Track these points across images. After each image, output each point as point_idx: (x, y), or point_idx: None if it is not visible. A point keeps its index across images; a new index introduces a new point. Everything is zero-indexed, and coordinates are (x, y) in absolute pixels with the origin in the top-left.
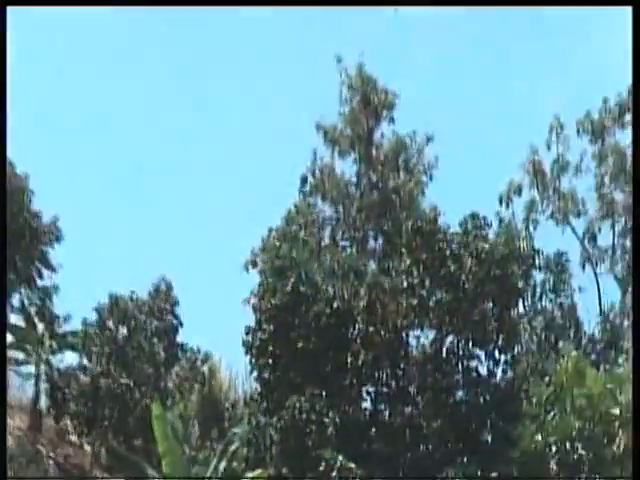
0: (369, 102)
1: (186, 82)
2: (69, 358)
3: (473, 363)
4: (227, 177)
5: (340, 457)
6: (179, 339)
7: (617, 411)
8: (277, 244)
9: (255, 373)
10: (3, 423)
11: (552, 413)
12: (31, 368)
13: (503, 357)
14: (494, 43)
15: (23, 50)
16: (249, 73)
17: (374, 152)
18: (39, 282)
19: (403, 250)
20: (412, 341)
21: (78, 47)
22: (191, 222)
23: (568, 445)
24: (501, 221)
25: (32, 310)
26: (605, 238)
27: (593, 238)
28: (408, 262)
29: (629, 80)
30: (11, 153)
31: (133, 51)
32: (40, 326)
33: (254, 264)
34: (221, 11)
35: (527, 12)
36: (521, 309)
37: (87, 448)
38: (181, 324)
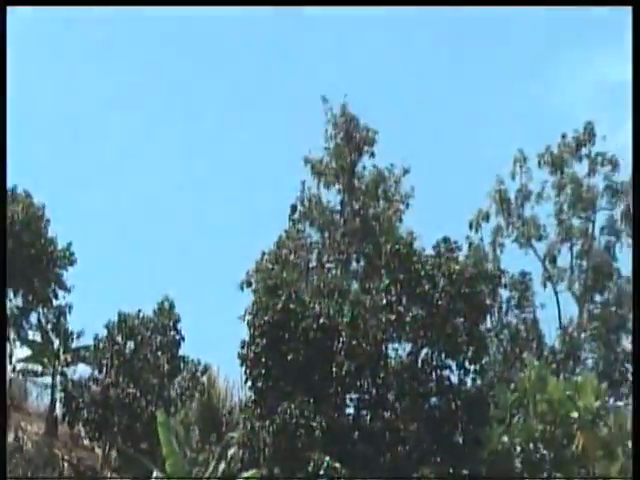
0: (352, 138)
1: (187, 117)
2: (82, 370)
3: (446, 372)
4: (225, 207)
5: (327, 458)
6: (181, 352)
7: (575, 415)
8: (269, 266)
9: (250, 383)
10: (3, 424)
11: (517, 417)
12: (48, 379)
13: (473, 367)
14: (464, 85)
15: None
16: (247, 112)
17: (356, 183)
18: (55, 302)
19: (382, 271)
20: (391, 353)
21: (84, 49)
22: (192, 247)
23: (531, 446)
24: (471, 245)
25: (48, 327)
26: (564, 259)
27: (553, 260)
28: (387, 282)
29: (585, 117)
30: (28, 185)
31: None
32: (56, 341)
33: (249, 284)
34: (220, 52)
35: (494, 56)
36: (489, 324)
37: (98, 451)
38: (183, 339)
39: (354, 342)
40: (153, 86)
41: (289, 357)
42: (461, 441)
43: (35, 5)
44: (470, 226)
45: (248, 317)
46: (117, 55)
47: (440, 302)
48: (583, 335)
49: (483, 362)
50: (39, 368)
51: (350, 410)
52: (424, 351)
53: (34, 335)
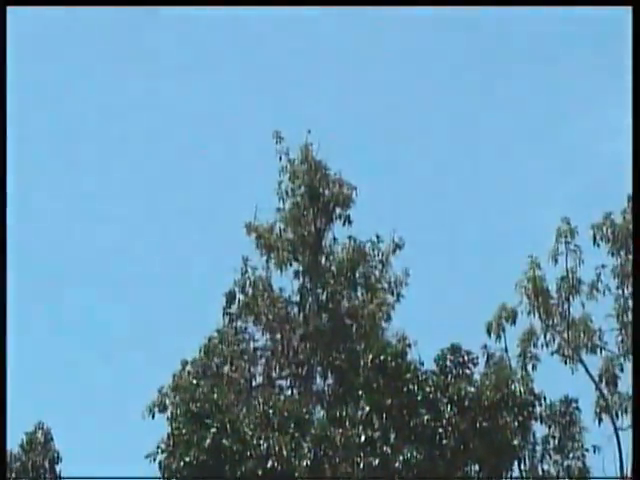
0: (318, 196)
1: None
2: None
3: None
4: (129, 294)
5: None
6: None
7: None
8: (193, 382)
9: None
10: (3, 425)
11: None
12: None
13: None
14: (483, 124)
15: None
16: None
17: (323, 262)
18: None
19: (360, 393)
20: None
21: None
22: (77, 354)
23: None
24: (490, 357)
25: None
26: (629, 382)
27: (613, 381)
28: (367, 409)
29: None
30: None
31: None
32: None
33: (162, 408)
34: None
35: (520, 88)
36: (516, 473)
37: None
38: None
39: None
40: None
41: None
42: None
43: (35, 5)
44: (489, 330)
45: (161, 457)
46: None
47: (445, 441)
48: None
49: None
50: None
51: None
52: None
53: None
